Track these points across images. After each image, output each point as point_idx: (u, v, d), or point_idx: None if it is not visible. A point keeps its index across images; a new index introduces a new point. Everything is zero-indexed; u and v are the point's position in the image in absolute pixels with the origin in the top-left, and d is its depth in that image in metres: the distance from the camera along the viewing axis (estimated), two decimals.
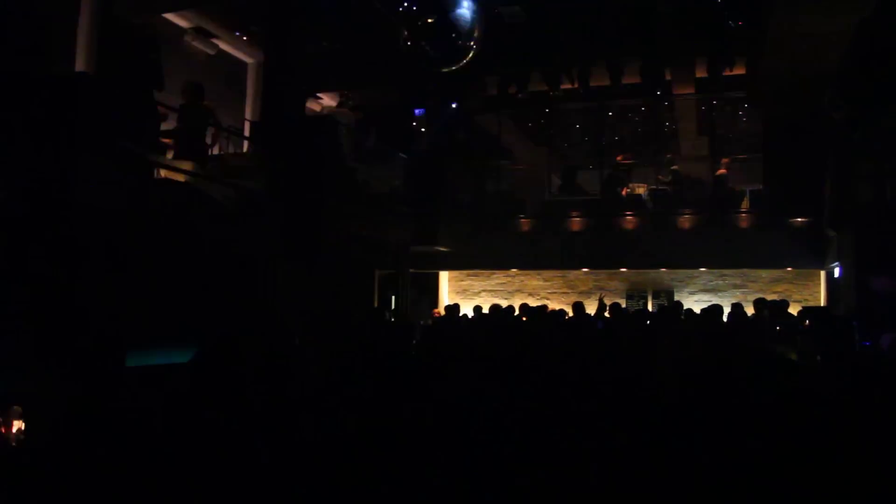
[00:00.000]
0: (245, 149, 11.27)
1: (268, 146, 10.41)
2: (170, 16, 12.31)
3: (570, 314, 10.89)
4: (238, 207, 9.19)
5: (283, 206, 10.02)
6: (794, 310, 10.88)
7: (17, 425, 4.75)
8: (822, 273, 13.85)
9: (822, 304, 13.39)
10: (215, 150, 9.95)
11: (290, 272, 10.10)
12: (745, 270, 14.61)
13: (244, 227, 9.18)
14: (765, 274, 14.57)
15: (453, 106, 15.61)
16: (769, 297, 12.61)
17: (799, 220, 13.25)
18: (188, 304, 8.38)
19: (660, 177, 15.71)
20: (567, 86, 14.96)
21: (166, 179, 8.02)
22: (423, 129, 16.38)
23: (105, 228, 6.92)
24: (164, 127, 8.87)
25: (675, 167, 15.14)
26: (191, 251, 8.29)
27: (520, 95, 15.34)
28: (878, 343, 5.78)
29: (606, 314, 10.50)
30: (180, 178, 8.29)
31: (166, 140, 8.70)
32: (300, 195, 10.30)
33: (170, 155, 8.65)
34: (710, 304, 11.80)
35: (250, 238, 9.25)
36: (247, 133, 12.22)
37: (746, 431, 3.45)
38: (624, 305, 14.42)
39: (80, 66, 9.77)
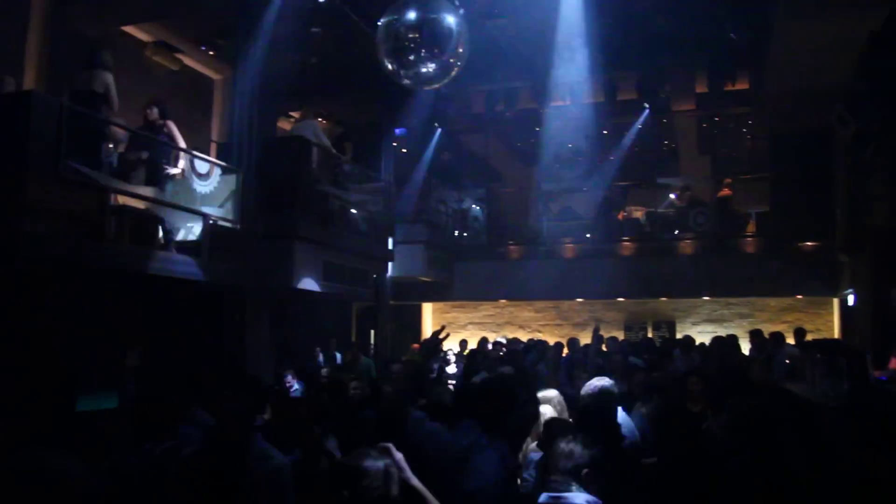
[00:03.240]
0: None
1: (236, 169, 10.39)
2: (130, 29, 12.32)
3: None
4: (203, 236, 9.14)
5: (252, 234, 9.99)
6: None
7: None
8: (836, 301, 13.93)
9: (835, 335, 13.44)
10: (178, 175, 9.89)
11: (260, 307, 10.06)
12: (751, 299, 14.69)
13: (210, 258, 9.12)
14: (773, 302, 14.65)
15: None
16: (779, 328, 12.67)
17: (809, 243, 13.37)
18: (147, 345, 8.31)
19: (673, 196, 15.79)
20: (559, 103, 15.06)
21: (124, 206, 7.96)
22: (404, 150, 16.43)
23: (57, 261, 6.85)
24: (121, 149, 8.84)
25: (689, 192, 15.25)
26: (151, 285, 8.23)
27: (508, 113, 15.42)
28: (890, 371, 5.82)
29: (603, 347, 10.47)
30: (140, 204, 8.24)
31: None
32: (270, 222, 10.31)
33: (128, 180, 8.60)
34: (714, 334, 11.92)
35: (216, 270, 9.20)
36: (213, 156, 12.18)
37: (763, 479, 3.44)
38: (622, 338, 14.47)
39: (29, 83, 9.75)
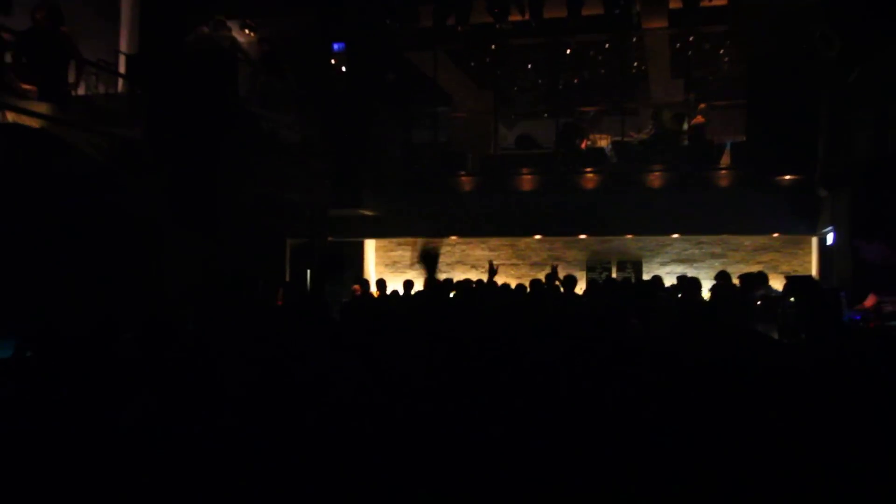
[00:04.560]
0: (120, 88, 10.92)
1: (148, 85, 10.14)
2: None
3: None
4: (112, 161, 8.93)
5: (169, 159, 9.86)
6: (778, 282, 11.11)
7: None
8: (814, 239, 14.20)
9: (812, 275, 13.70)
10: (81, 91, 9.61)
11: (179, 242, 10.02)
12: (725, 237, 14.91)
13: (120, 186, 8.95)
14: (748, 241, 14.90)
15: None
16: (754, 268, 12.86)
17: (787, 177, 13.50)
18: (49, 283, 8.15)
19: (632, 133, 15.75)
20: (517, 17, 14.87)
21: (16, 125, 7.71)
22: (343, 69, 16.13)
23: None
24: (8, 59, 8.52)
25: (659, 119, 15.19)
26: (51, 215, 8.05)
27: (460, 29, 15.18)
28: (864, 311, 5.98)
29: (557, 283, 10.54)
30: (35, 123, 7.99)
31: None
32: (190, 146, 10.11)
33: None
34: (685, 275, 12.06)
35: (128, 200, 9.05)
36: (122, 69, 11.83)
37: (726, 419, 3.52)
38: (584, 279, 14.61)
39: None
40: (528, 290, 9.94)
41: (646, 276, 14.70)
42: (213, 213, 10.31)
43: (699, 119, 14.68)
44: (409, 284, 13.18)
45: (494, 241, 16.13)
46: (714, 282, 10.56)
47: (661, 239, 15.30)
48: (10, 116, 7.64)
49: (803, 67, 12.38)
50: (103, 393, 3.87)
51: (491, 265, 9.58)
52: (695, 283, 10.31)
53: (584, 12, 14.43)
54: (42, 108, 8.14)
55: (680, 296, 10.13)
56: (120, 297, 8.83)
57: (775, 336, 6.50)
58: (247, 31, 14.48)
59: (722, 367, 4.26)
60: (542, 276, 11.46)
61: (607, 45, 16.87)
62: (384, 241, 16.78)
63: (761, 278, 10.06)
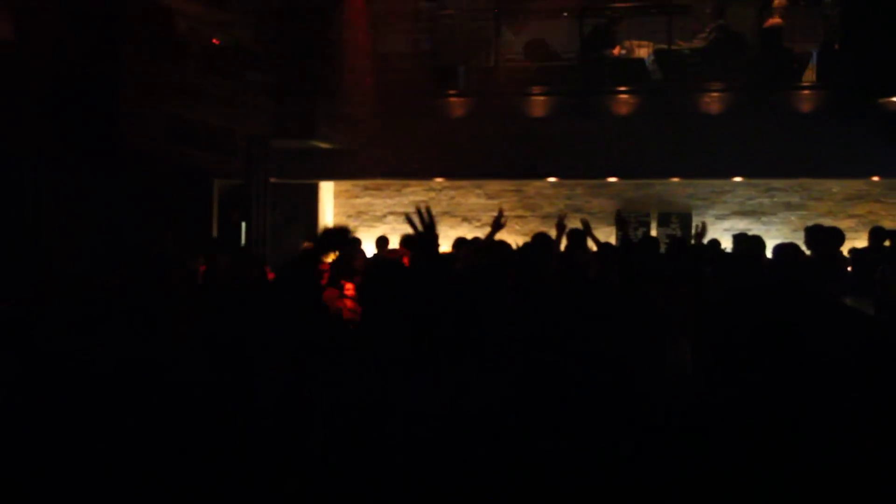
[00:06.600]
0: None
1: None
2: None
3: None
4: None
5: (44, 64, 9.82)
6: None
7: None
8: None
9: None
10: None
11: (59, 181, 10.20)
12: (805, 181, 14.87)
13: None
14: (837, 187, 14.86)
15: None
16: (844, 223, 12.73)
17: (893, 99, 13.28)
18: None
19: (681, 42, 15.50)
20: None
21: None
22: None
23: None
24: None
25: (721, 20, 14.94)
26: None
27: None
28: None
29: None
30: None
31: None
32: (74, 46, 10.01)
33: None
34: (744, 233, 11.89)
35: None
36: None
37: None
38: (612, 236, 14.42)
39: None
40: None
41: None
42: (107, 142, 10.23)
43: (775, 20, 14.45)
44: (382, 242, 13.12)
45: (494, 186, 16.25)
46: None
47: (718, 184, 15.34)
48: None
49: None
50: None
51: (498, 218, 9.32)
52: (758, 244, 10.18)
53: None
54: None
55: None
56: None
57: (871, 312, 6.40)
58: None
59: (806, 358, 4.24)
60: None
61: None
62: (346, 185, 16.90)
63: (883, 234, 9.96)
